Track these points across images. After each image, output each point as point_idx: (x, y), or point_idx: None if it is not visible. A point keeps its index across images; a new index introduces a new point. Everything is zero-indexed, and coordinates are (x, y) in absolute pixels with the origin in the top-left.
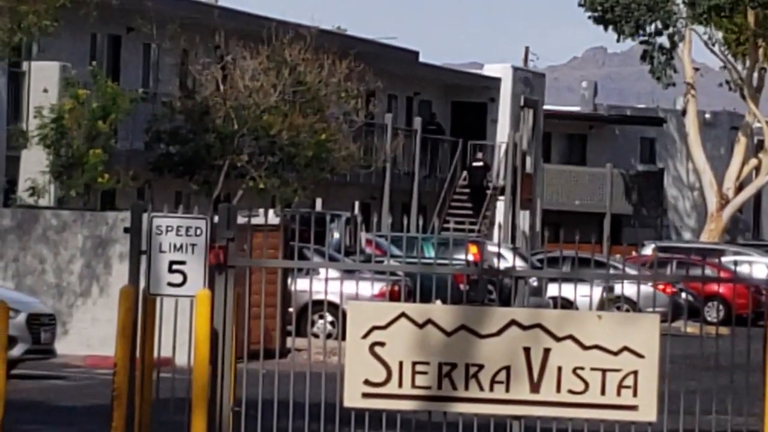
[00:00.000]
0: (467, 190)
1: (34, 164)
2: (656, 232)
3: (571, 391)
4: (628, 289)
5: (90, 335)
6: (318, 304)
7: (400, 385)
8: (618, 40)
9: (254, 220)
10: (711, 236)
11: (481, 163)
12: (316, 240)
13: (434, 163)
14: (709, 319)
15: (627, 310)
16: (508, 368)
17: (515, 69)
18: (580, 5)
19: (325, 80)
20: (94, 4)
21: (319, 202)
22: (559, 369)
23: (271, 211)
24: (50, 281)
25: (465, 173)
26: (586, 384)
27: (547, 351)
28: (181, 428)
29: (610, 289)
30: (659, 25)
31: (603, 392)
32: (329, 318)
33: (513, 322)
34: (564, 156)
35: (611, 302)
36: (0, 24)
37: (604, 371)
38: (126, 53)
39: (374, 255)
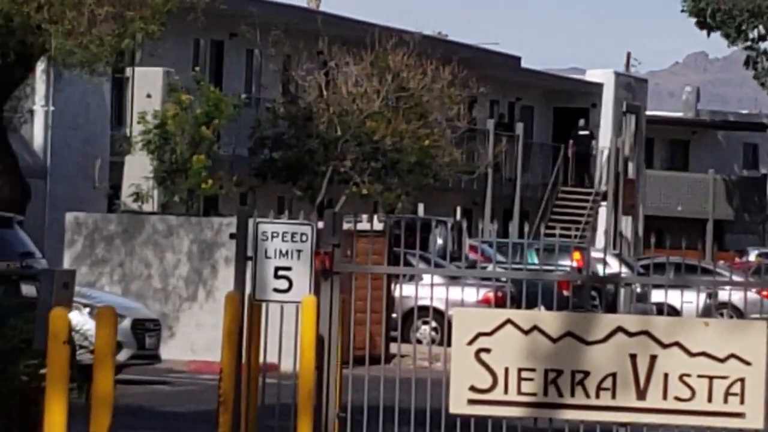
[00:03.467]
0: (569, 189)
1: (138, 170)
2: (759, 238)
3: (677, 398)
4: (734, 295)
5: (194, 340)
6: (422, 310)
7: (506, 391)
8: (728, 46)
9: (359, 226)
10: None
11: (587, 132)
12: (420, 246)
13: (536, 168)
14: None
15: (731, 317)
16: (614, 375)
17: (617, 74)
18: (683, 11)
19: (428, 86)
20: (201, 10)
21: (421, 207)
22: (666, 376)
23: (375, 217)
24: (156, 286)
25: (571, 141)
26: (693, 391)
27: (653, 358)
28: None
29: (713, 296)
30: (762, 30)
31: (710, 399)
32: (433, 324)
33: (619, 329)
34: (666, 162)
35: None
36: (107, 30)
37: (710, 378)
38: (229, 59)
39: (479, 261)
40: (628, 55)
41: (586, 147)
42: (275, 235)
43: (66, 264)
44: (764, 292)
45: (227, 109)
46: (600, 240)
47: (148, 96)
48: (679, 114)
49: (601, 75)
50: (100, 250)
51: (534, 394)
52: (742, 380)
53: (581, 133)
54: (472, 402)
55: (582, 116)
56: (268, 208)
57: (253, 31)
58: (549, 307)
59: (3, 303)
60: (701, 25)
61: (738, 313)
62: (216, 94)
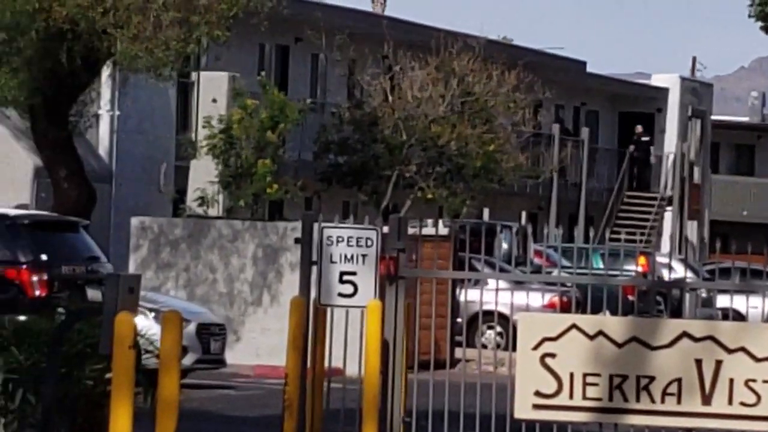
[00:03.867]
0: (634, 193)
1: (203, 174)
2: None
3: (743, 404)
4: None
5: (259, 344)
6: (487, 315)
7: (571, 396)
8: None
9: (424, 231)
10: None
11: (648, 138)
12: (485, 251)
13: (601, 173)
14: None
15: None
16: (679, 380)
17: (683, 79)
18: (750, 16)
19: (493, 90)
20: (265, 14)
21: (486, 212)
22: (731, 381)
23: (440, 222)
24: (221, 290)
25: (632, 146)
26: (758, 396)
27: (719, 363)
28: None
29: None
30: None
31: None
32: (498, 329)
33: (684, 334)
34: (732, 166)
35: None
36: (172, 34)
37: None
38: (294, 63)
39: (543, 266)
40: (694, 59)
41: (646, 153)
42: (340, 239)
43: (131, 268)
44: None
45: (292, 114)
46: (665, 245)
47: (214, 101)
48: (745, 119)
49: (667, 80)
50: (166, 254)
51: (599, 399)
52: None
53: (643, 139)
54: (537, 407)
55: (647, 121)
56: (334, 213)
57: (319, 36)
58: (614, 312)
59: (69, 307)
60: (767, 29)
61: None
62: (281, 98)
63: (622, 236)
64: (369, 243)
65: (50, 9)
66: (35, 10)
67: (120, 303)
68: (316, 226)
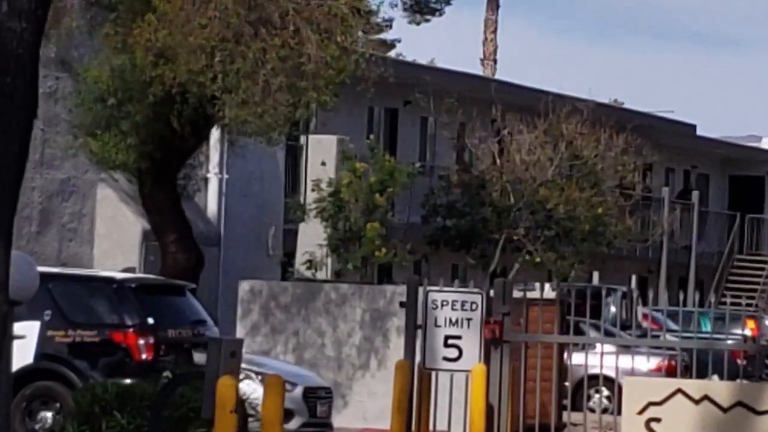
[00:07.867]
0: (744, 257)
1: (312, 237)
2: None
3: None
4: None
5: (366, 408)
6: (594, 379)
7: None
8: None
9: (530, 294)
10: None
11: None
12: (591, 314)
13: (711, 236)
14: None
15: None
16: None
17: None
18: None
19: (601, 154)
20: (372, 81)
21: (595, 275)
22: None
23: (546, 285)
24: (329, 354)
25: None
26: None
27: None
28: None
29: None
30: None
31: None
32: (605, 392)
33: None
34: None
35: None
36: (280, 99)
37: None
38: (403, 127)
39: (650, 329)
40: None
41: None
42: (445, 303)
43: (239, 332)
44: None
45: (401, 178)
46: None
47: (323, 164)
48: None
49: None
50: (275, 318)
51: None
52: None
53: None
54: None
55: (758, 184)
56: (442, 276)
57: (427, 99)
58: (721, 376)
59: (174, 371)
60: None
61: None
62: (391, 163)
63: (728, 299)
64: (474, 306)
65: (162, 75)
66: (151, 78)
67: (222, 367)
68: (421, 289)
